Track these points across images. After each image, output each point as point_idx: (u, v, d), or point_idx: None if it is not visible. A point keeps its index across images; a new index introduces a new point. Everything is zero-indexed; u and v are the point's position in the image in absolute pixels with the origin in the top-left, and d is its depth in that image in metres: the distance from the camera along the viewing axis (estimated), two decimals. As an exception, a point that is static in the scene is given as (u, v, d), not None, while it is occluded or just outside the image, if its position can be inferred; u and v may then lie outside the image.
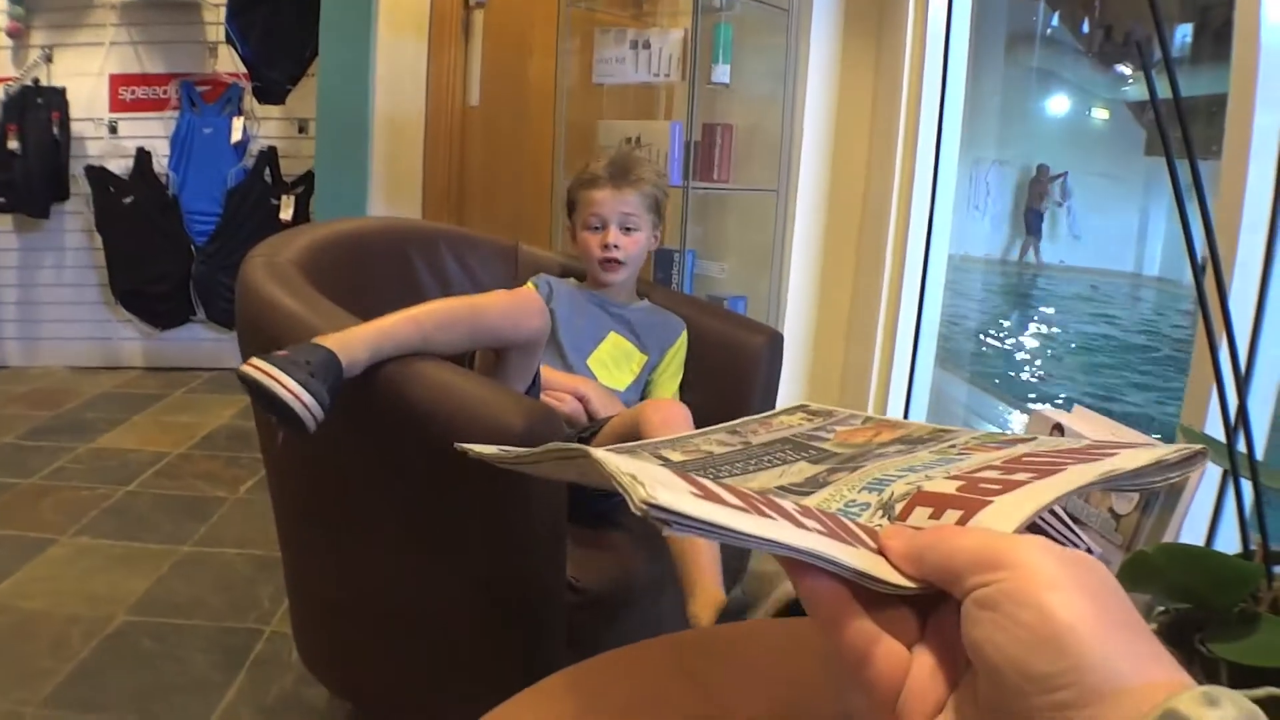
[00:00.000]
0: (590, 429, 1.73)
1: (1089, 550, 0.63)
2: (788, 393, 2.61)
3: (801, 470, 0.56)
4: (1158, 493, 0.65)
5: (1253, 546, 0.57)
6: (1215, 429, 1.34)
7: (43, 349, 4.32)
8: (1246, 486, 0.58)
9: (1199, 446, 0.47)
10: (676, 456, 0.59)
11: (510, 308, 1.50)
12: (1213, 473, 1.33)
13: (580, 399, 1.81)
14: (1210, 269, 0.71)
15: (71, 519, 2.62)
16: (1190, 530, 1.34)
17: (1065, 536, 0.65)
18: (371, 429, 1.39)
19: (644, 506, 0.35)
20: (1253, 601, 0.55)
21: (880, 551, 0.40)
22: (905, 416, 2.54)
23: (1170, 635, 0.57)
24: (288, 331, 1.37)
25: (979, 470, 0.48)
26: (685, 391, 2.01)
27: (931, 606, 0.39)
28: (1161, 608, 0.62)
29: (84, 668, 1.92)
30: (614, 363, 1.96)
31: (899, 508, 0.45)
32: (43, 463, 3.04)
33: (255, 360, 1.22)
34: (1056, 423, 0.80)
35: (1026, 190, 8.10)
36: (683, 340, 2.03)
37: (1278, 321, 1.42)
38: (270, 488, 1.70)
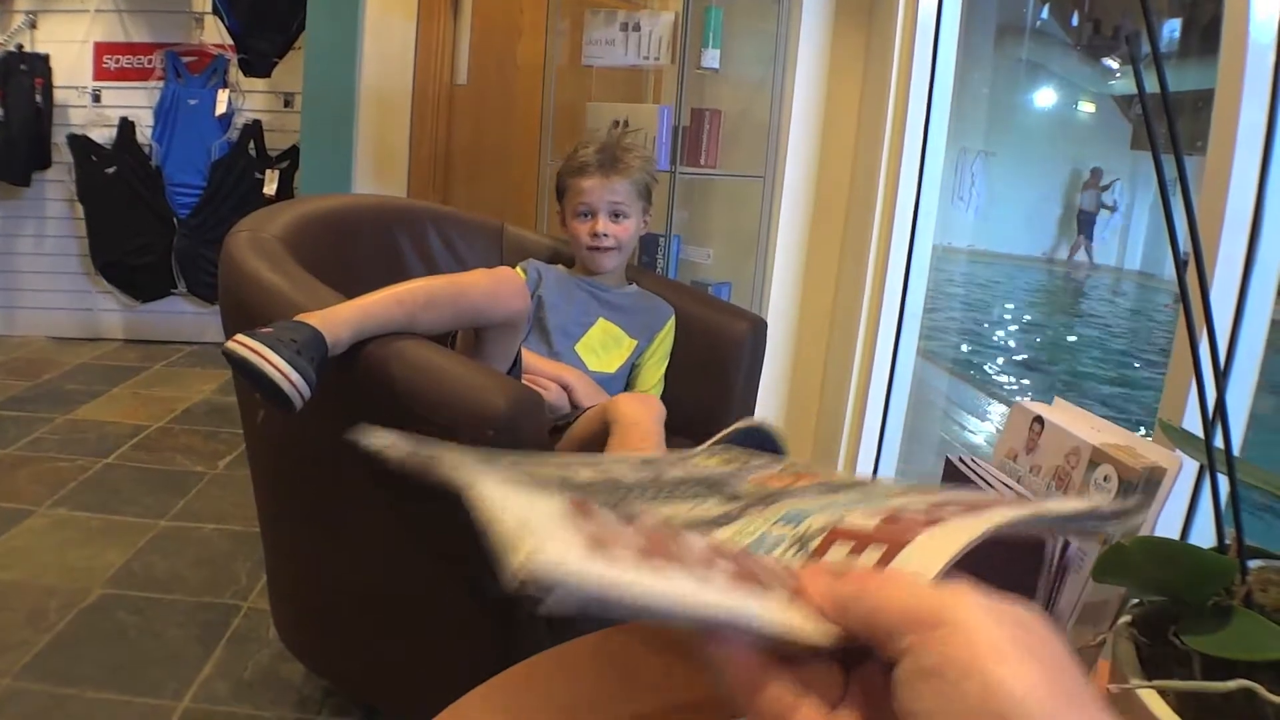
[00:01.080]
0: (566, 419, 1.73)
1: (1065, 544, 0.64)
2: (771, 379, 2.62)
3: (713, 507, 0.52)
4: (1135, 486, 0.66)
5: (1228, 541, 0.58)
6: (1193, 423, 1.35)
7: (22, 318, 4.29)
8: (1223, 481, 0.59)
9: (1135, 501, 0.47)
10: (586, 474, 0.56)
11: (492, 286, 1.50)
12: (1189, 466, 1.34)
13: (565, 387, 1.81)
14: (1193, 263, 0.72)
15: (49, 490, 2.61)
16: (1166, 524, 1.35)
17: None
18: (353, 408, 1.38)
19: (519, 576, 0.30)
20: (1226, 595, 0.56)
21: (798, 593, 0.36)
22: (887, 406, 2.55)
23: (1145, 627, 0.58)
24: (271, 308, 1.37)
25: (901, 508, 0.45)
26: (669, 377, 2.02)
27: (855, 658, 0.36)
28: (1136, 600, 0.62)
29: (61, 640, 1.92)
30: (603, 348, 1.96)
31: (816, 542, 0.42)
32: (20, 433, 3.02)
33: (241, 337, 1.22)
34: (1037, 415, 0.80)
35: (1078, 191, 8.16)
36: (670, 326, 2.03)
37: (1258, 317, 1.43)
38: (250, 464, 1.70)
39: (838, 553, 0.41)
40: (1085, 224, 8.27)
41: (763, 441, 1.22)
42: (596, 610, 0.31)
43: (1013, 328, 7.24)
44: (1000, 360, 6.27)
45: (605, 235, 1.96)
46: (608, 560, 0.32)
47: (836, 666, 0.36)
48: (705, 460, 0.66)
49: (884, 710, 0.33)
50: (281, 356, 1.19)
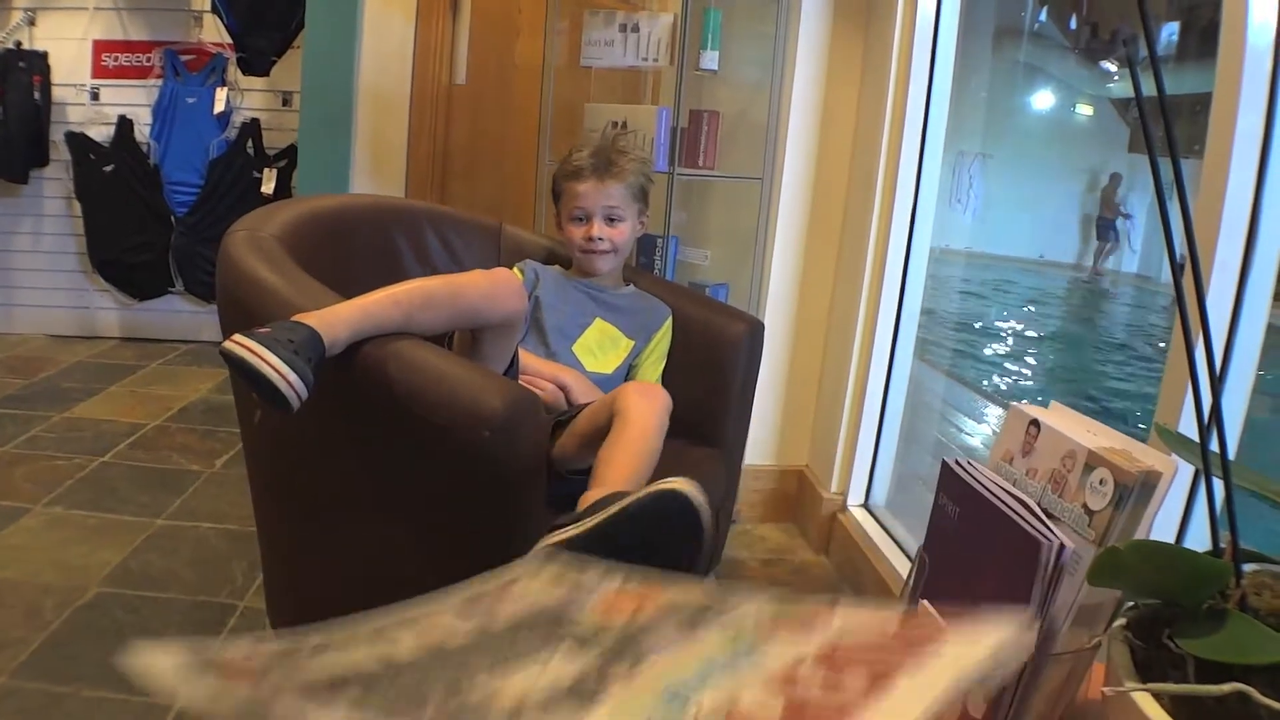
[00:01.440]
0: (569, 414, 1.73)
1: (1061, 547, 0.64)
2: (768, 381, 2.62)
3: (564, 666, 0.47)
4: (1131, 489, 0.66)
5: (1223, 545, 0.58)
6: (1189, 427, 1.35)
7: (19, 316, 4.29)
8: (1218, 485, 0.59)
9: (1023, 630, 0.44)
10: (408, 644, 0.51)
11: (489, 287, 1.50)
12: (1185, 471, 1.34)
13: (561, 387, 1.81)
14: (1189, 268, 0.72)
15: (45, 488, 2.61)
16: (1161, 528, 1.35)
17: (1038, 531, 0.66)
18: (350, 408, 1.38)
19: None
20: (1221, 599, 0.56)
21: None
22: (883, 409, 2.55)
23: (1139, 630, 0.58)
24: (269, 307, 1.37)
25: (795, 670, 0.42)
26: (667, 377, 2.02)
27: None
28: (1131, 603, 0.62)
29: (56, 638, 1.92)
30: (599, 348, 1.97)
31: None
32: (17, 431, 3.02)
33: (238, 337, 1.22)
34: (1033, 418, 0.80)
35: (1098, 198, 8.14)
36: (668, 326, 2.04)
37: (1254, 322, 1.43)
38: (247, 463, 1.70)
39: None
40: (1103, 229, 8.26)
41: (682, 512, 1.16)
42: None
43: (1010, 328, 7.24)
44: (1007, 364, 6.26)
45: (600, 239, 1.97)
46: None
47: None
48: (530, 582, 0.60)
49: None
50: (279, 356, 1.19)
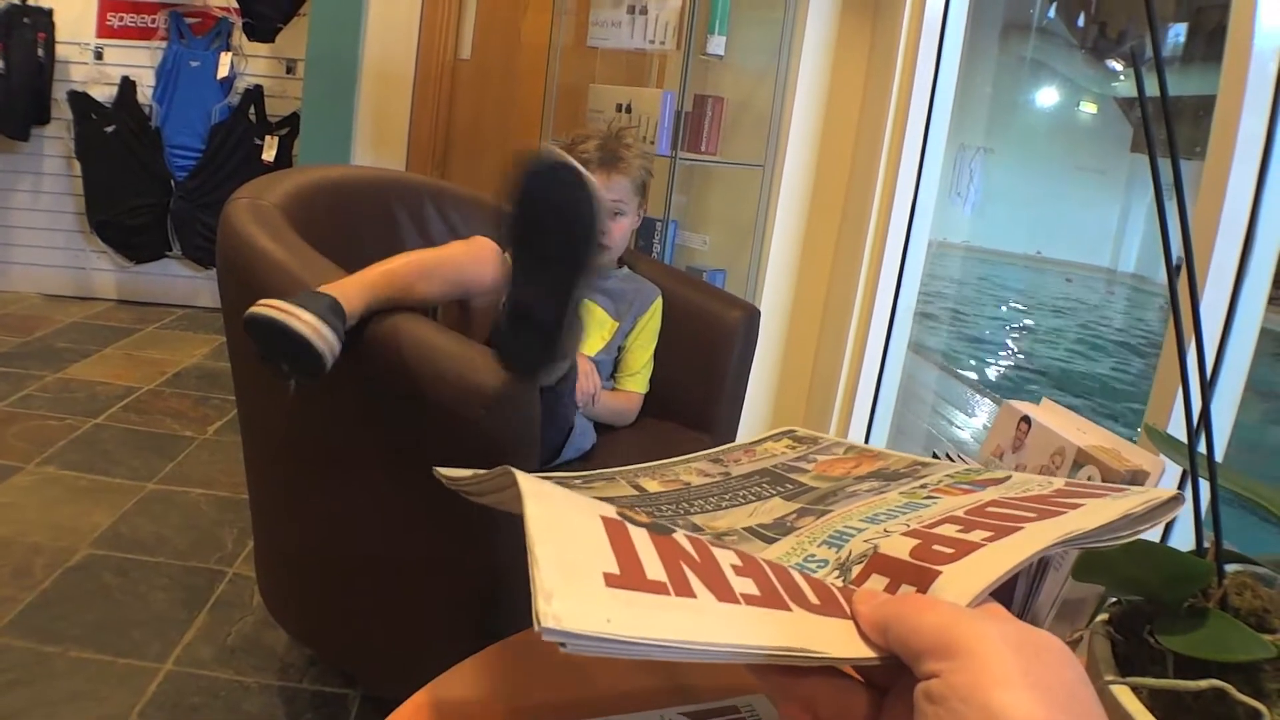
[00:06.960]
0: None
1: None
2: (761, 369, 2.63)
3: (773, 509, 0.54)
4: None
5: (1206, 545, 0.59)
6: (1178, 428, 1.36)
7: (14, 273, 4.28)
8: (1204, 486, 0.59)
9: (1168, 495, 0.45)
10: (654, 487, 0.58)
11: (471, 255, 1.51)
12: (1172, 471, 1.35)
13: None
14: (1185, 269, 0.72)
15: (38, 448, 2.61)
16: (1147, 526, 1.36)
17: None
18: (356, 381, 1.39)
19: (539, 628, 0.32)
20: (1202, 597, 0.57)
21: (845, 616, 0.38)
22: (875, 400, 2.56)
23: (1121, 626, 0.59)
24: (269, 276, 1.37)
25: (937, 525, 0.46)
26: (662, 362, 2.02)
27: (893, 679, 0.38)
28: (1114, 599, 0.63)
29: (45, 598, 1.92)
30: (585, 330, 1.97)
31: (855, 571, 0.44)
32: (10, 390, 3.02)
33: (264, 300, 1.21)
34: (1024, 414, 0.81)
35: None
36: (656, 307, 2.04)
37: (1247, 325, 1.44)
38: (243, 432, 1.70)
39: (875, 584, 0.42)
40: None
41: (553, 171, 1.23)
42: (615, 654, 0.33)
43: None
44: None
45: (603, 233, 1.97)
46: (622, 608, 0.34)
47: (866, 689, 0.38)
48: (773, 445, 0.68)
49: None
50: (310, 311, 1.20)
